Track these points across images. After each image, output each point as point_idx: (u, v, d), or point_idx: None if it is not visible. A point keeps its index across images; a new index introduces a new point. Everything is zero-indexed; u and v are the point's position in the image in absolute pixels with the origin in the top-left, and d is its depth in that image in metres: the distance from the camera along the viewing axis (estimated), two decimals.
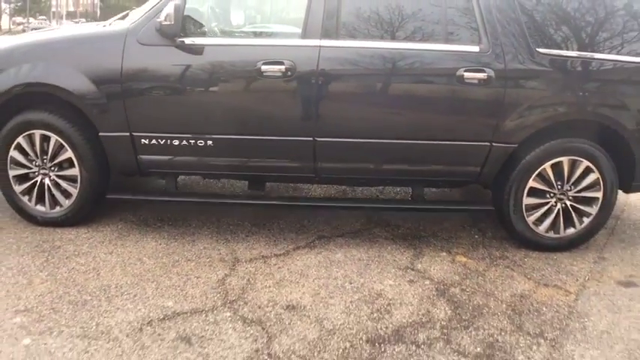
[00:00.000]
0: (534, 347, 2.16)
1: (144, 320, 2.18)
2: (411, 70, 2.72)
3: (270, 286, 2.50)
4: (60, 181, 2.95)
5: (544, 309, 2.45)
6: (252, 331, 2.14)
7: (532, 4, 2.76)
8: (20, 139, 2.88)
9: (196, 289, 2.44)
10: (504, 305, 2.47)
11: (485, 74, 2.66)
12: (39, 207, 3.00)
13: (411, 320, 2.30)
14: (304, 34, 2.67)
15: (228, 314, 2.26)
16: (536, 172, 2.85)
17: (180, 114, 2.75)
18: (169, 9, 2.49)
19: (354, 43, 2.69)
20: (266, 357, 2.00)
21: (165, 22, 2.51)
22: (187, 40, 2.67)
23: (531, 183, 2.88)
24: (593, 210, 2.92)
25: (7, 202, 3.06)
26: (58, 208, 2.99)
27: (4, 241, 2.84)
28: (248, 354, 2.00)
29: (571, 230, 2.97)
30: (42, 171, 2.95)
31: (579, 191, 2.90)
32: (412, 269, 2.76)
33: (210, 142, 2.77)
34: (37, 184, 2.96)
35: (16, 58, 2.86)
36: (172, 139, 2.78)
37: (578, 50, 2.74)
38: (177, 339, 2.07)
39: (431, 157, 2.84)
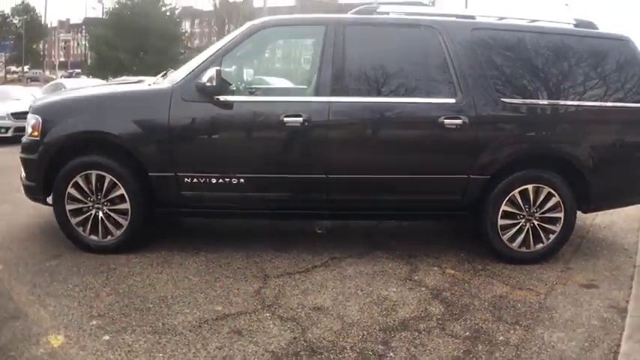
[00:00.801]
0: (511, 331, 2.74)
1: (201, 320, 2.71)
2: (401, 118, 3.43)
3: (297, 294, 3.06)
4: (112, 214, 3.50)
5: (519, 305, 3.04)
6: (289, 325, 2.69)
7: (496, 62, 3.50)
8: (78, 178, 3.45)
9: (238, 297, 2.99)
10: (486, 303, 3.05)
11: (461, 120, 3.37)
12: (92, 236, 3.53)
13: (412, 315, 2.87)
14: (316, 93, 3.37)
15: (268, 314, 2.81)
16: (508, 198, 3.51)
17: (218, 156, 3.39)
18: (211, 73, 3.15)
19: (356, 99, 3.39)
20: (302, 342, 2.54)
21: (208, 84, 3.16)
22: (221, 98, 3.32)
23: (504, 207, 3.53)
24: (557, 228, 3.57)
25: (63, 233, 3.60)
26: (109, 237, 3.53)
27: (65, 265, 3.36)
28: (288, 340, 2.55)
29: (540, 245, 3.60)
30: (96, 205, 3.50)
31: (544, 213, 3.55)
32: (410, 280, 3.35)
33: (242, 180, 3.39)
34: (92, 216, 3.51)
35: (77, 109, 3.48)
36: (210, 177, 3.39)
37: (536, 98, 3.48)
38: (230, 332, 2.61)
39: (421, 188, 3.49)
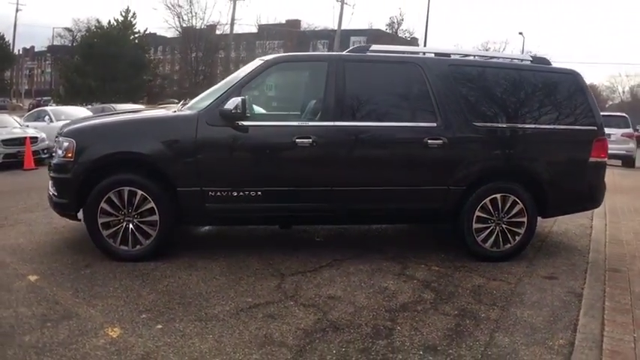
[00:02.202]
0: (490, 310, 3.37)
1: (237, 309, 3.21)
2: (393, 139, 4.11)
3: (312, 288, 3.61)
4: (142, 226, 3.95)
5: (494, 292, 3.70)
6: (311, 310, 3.24)
7: (468, 92, 4.23)
8: (111, 194, 3.89)
9: (263, 291, 3.51)
10: (468, 291, 3.69)
11: (442, 141, 4.07)
12: (122, 246, 3.96)
13: (410, 300, 3.47)
14: (322, 118, 4.00)
15: (292, 303, 3.34)
16: (480, 205, 4.21)
17: (239, 173, 3.94)
18: (237, 101, 3.72)
19: (355, 123, 4.05)
20: (326, 321, 3.09)
21: (235, 111, 3.73)
22: (242, 122, 3.87)
23: (477, 213, 4.22)
24: (522, 230, 4.28)
25: (94, 244, 4.01)
26: (138, 247, 3.97)
27: (100, 272, 3.75)
28: (314, 321, 3.09)
29: (508, 245, 4.30)
30: (127, 218, 3.95)
31: (510, 218, 4.26)
32: (403, 275, 3.96)
33: (259, 193, 3.94)
34: (122, 228, 3.95)
35: (110, 133, 3.98)
36: (232, 191, 3.93)
37: (501, 122, 4.23)
38: (264, 317, 3.12)
39: (410, 197, 4.14)
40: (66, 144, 3.99)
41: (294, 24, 48.09)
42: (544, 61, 4.50)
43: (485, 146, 4.18)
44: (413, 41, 50.41)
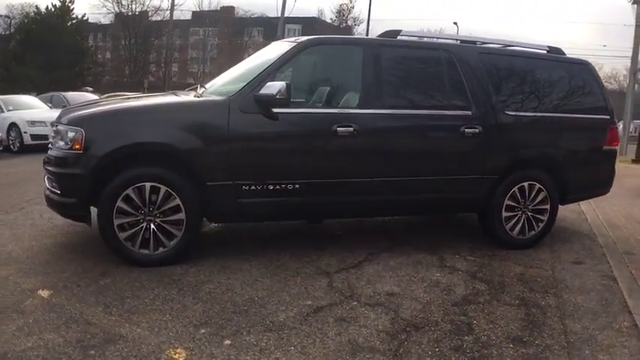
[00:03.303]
0: (546, 297, 3.38)
1: (302, 314, 2.94)
2: (432, 127, 4.00)
3: (365, 285, 3.41)
4: (166, 226, 3.51)
5: (538, 279, 3.72)
6: (380, 310, 3.04)
7: (499, 80, 4.20)
8: (130, 191, 3.40)
9: (318, 292, 3.26)
10: (514, 279, 3.69)
11: (477, 129, 4.01)
12: (142, 250, 3.50)
13: (467, 292, 3.39)
14: (362, 105, 3.77)
15: (355, 303, 3.12)
16: (510, 193, 4.22)
17: (276, 164, 3.62)
18: (281, 86, 3.37)
19: (395, 111, 3.87)
20: (401, 321, 2.92)
21: (278, 96, 3.39)
22: (279, 109, 3.54)
23: (507, 201, 4.23)
24: (545, 217, 4.36)
25: (109, 249, 3.52)
26: (160, 249, 3.53)
27: (122, 281, 3.28)
28: (389, 321, 2.90)
29: (532, 232, 4.36)
30: (148, 218, 3.49)
31: (535, 205, 4.32)
32: (444, 266, 3.87)
33: (297, 185, 3.65)
34: (142, 229, 3.49)
35: (127, 121, 3.47)
36: (268, 184, 3.61)
37: (529, 111, 4.25)
38: (336, 320, 2.88)
39: (447, 187, 4.05)
40: (72, 134, 3.43)
41: (229, 10, 46.61)
42: (559, 51, 4.58)
43: (515, 135, 4.19)
44: (347, 30, 50.97)
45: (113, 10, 39.66)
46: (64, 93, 15.77)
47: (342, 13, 46.87)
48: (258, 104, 3.51)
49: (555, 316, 3.11)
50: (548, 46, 4.59)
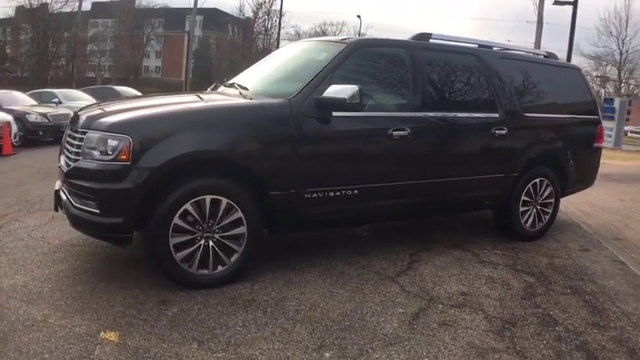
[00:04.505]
0: (589, 284, 3.72)
1: (404, 322, 2.90)
2: (469, 129, 4.17)
3: (433, 286, 3.46)
4: (225, 241, 3.24)
5: (568, 268, 4.07)
6: (467, 310, 3.12)
7: (516, 83, 4.48)
8: (188, 206, 3.08)
9: (399, 298, 3.24)
10: (550, 270, 3.99)
11: (505, 131, 4.25)
12: (201, 270, 3.18)
13: (523, 285, 3.61)
14: (413, 108, 3.80)
15: (441, 306, 3.16)
16: (525, 191, 4.54)
17: (337, 170, 3.51)
18: (354, 90, 3.25)
19: (440, 113, 3.95)
20: (493, 318, 3.02)
21: (351, 101, 3.25)
22: (339, 113, 3.41)
23: (523, 197, 4.55)
24: (550, 210, 4.77)
25: (164, 272, 3.15)
26: (220, 268, 3.24)
27: (192, 309, 2.94)
28: (485, 320, 2.99)
29: (540, 225, 4.75)
30: (205, 234, 3.18)
31: (543, 199, 4.70)
32: (484, 262, 4.07)
33: (355, 191, 3.58)
34: (201, 248, 3.17)
35: (182, 127, 3.10)
36: (329, 191, 3.49)
37: (541, 113, 4.59)
38: (440, 325, 2.90)
39: (479, 186, 4.25)
40: (113, 142, 2.98)
41: (129, 1, 43.42)
42: (554, 56, 5.01)
43: (532, 135, 4.51)
44: (247, 21, 50.27)
45: (24, 3, 35.01)
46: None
47: (261, 6, 46.11)
48: (320, 107, 3.37)
49: (607, 301, 3.44)
50: (546, 52, 4.99)
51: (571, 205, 6.38)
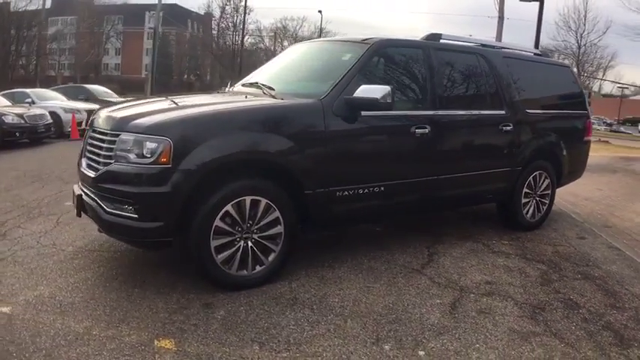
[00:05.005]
0: (595, 269, 4.00)
1: (446, 312, 3.05)
2: (482, 126, 4.39)
3: (459, 277, 3.64)
4: (263, 241, 3.27)
5: (572, 255, 4.35)
6: (498, 298, 3.31)
7: (518, 81, 4.72)
8: (229, 207, 3.09)
9: (432, 289, 3.39)
10: (557, 257, 4.26)
11: (510, 126, 4.49)
12: (240, 272, 3.20)
13: (538, 273, 3.84)
14: (432, 106, 3.96)
15: (472, 295, 3.34)
16: (527, 183, 4.80)
17: (365, 168, 3.62)
18: (386, 90, 3.34)
19: (454, 111, 4.14)
20: (522, 304, 3.22)
21: (384, 100, 3.34)
22: (368, 112, 3.52)
23: (524, 190, 4.81)
24: (547, 201, 5.06)
25: (205, 276, 3.16)
26: (258, 268, 3.27)
27: (238, 310, 2.96)
28: (516, 306, 3.18)
29: (539, 215, 5.04)
30: (245, 235, 3.21)
31: (542, 191, 4.99)
32: (496, 252, 4.29)
33: (382, 188, 3.70)
34: (240, 249, 3.19)
35: (223, 128, 3.10)
36: (358, 188, 3.59)
37: (539, 109, 4.86)
38: (479, 313, 3.07)
39: (488, 180, 4.47)
40: (152, 144, 2.95)
41: None
42: (546, 55, 5.29)
43: (533, 130, 4.77)
44: (207, 16, 49.51)
45: None
46: None
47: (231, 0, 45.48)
48: (350, 107, 3.45)
49: (616, 284, 3.72)
50: (540, 51, 5.27)
51: (557, 195, 6.72)
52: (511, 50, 4.99)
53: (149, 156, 2.95)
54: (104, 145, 3.19)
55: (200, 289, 3.19)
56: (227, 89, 4.39)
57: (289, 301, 3.12)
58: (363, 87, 3.43)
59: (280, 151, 3.24)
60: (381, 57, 3.84)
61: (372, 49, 3.75)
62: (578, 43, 31.69)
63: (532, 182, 4.86)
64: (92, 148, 3.38)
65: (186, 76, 52.66)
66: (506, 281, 3.62)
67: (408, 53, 4.04)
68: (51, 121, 10.88)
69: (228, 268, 3.17)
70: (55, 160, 8.53)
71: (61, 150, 10.10)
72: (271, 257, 3.32)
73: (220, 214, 3.07)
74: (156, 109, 3.36)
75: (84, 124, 12.52)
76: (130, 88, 22.16)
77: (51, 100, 12.58)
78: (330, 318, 2.92)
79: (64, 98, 13.26)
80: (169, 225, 3.00)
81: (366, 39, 3.92)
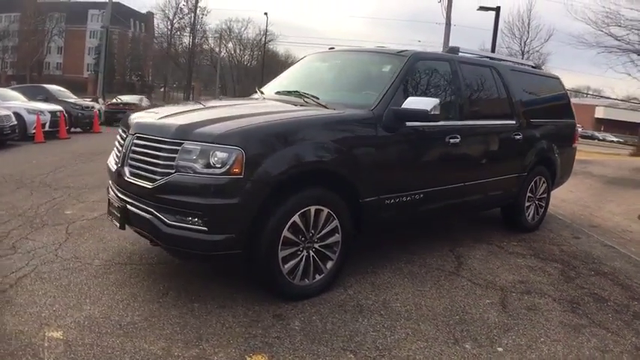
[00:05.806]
0: (601, 266, 4.43)
1: (499, 310, 3.29)
2: (500, 135, 4.69)
3: (493, 278, 3.90)
4: (323, 250, 3.34)
5: (577, 254, 4.77)
6: (536, 295, 3.60)
7: (523, 93, 5.10)
8: (295, 218, 3.13)
9: (477, 290, 3.62)
10: (566, 256, 4.66)
11: (520, 135, 4.86)
12: (302, 281, 3.25)
13: (557, 271, 4.20)
14: (461, 117, 4.22)
15: (514, 294, 3.61)
16: (529, 187, 5.21)
17: (408, 175, 3.81)
18: (435, 103, 3.51)
19: (478, 122, 4.44)
20: (559, 300, 3.53)
21: (433, 112, 3.52)
22: (412, 123, 3.68)
23: (527, 194, 5.21)
24: (544, 204, 5.51)
25: (271, 287, 3.19)
26: (317, 277, 3.33)
27: (315, 319, 3.04)
28: (556, 303, 3.49)
29: (537, 217, 5.46)
30: (307, 245, 3.25)
31: (540, 195, 5.42)
32: (513, 253, 4.62)
33: (422, 195, 3.91)
34: (303, 258, 3.24)
35: (291, 138, 3.12)
36: (402, 196, 3.77)
37: (539, 118, 5.27)
38: (528, 310, 3.33)
39: (501, 186, 4.80)
40: (223, 154, 2.90)
41: None
42: (539, 67, 5.75)
43: (536, 139, 5.17)
44: (149, 16, 48.03)
45: None
46: None
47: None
48: (398, 118, 3.61)
49: (626, 279, 4.15)
50: (533, 64, 5.72)
51: None
52: (514, 64, 5.39)
53: (219, 166, 2.90)
54: (162, 154, 3.06)
55: (261, 301, 3.20)
56: (258, 96, 4.41)
57: (355, 308, 3.22)
58: (411, 99, 3.61)
59: (343, 161, 3.34)
60: (418, 69, 4.05)
61: (410, 61, 3.96)
62: (521, 49, 33.82)
63: (533, 186, 5.27)
64: (141, 157, 3.21)
65: (128, 77, 50.75)
66: (535, 280, 3.94)
67: (438, 66, 4.27)
68: (16, 122, 10.22)
69: (292, 278, 3.22)
70: (29, 165, 8.05)
71: (31, 153, 9.55)
72: (329, 265, 3.41)
73: (288, 224, 3.11)
74: (214, 116, 3.31)
75: (47, 125, 11.86)
76: (72, 88, 20.87)
77: (12, 101, 11.79)
78: (402, 322, 3.05)
79: (24, 99, 12.47)
80: (240, 237, 2.98)
81: (401, 51, 4.12)
